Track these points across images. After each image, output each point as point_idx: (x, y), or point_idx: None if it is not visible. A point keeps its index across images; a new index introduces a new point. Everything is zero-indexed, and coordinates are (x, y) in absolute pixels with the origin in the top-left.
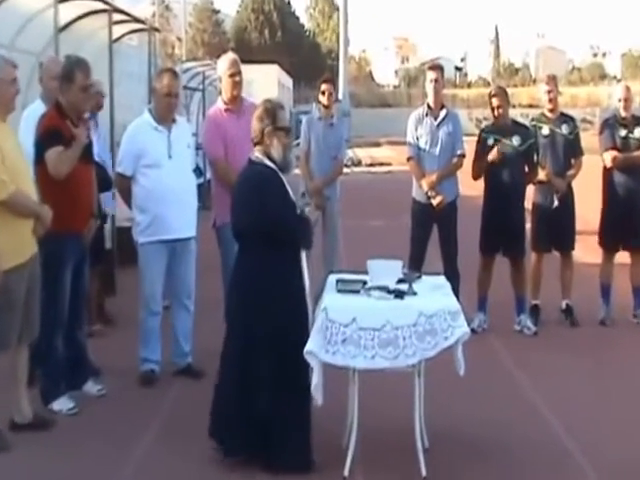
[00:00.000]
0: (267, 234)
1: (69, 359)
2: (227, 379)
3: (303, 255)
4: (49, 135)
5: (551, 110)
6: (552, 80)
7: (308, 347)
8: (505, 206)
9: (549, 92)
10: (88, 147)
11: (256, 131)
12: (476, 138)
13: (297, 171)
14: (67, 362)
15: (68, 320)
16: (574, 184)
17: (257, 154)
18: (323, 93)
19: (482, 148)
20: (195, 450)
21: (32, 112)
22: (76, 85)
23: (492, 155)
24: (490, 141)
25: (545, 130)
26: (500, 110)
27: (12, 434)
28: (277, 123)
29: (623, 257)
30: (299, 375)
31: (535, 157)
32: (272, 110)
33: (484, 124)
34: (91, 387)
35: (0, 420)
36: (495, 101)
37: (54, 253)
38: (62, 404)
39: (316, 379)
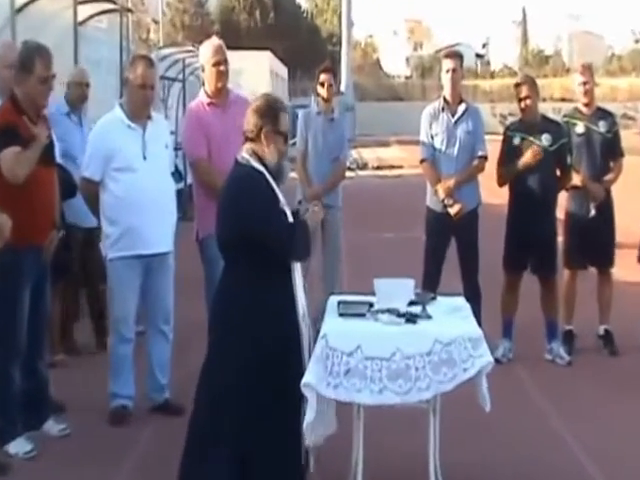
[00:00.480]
0: (255, 246)
1: (27, 394)
2: (202, 416)
3: (297, 270)
4: (3, 133)
5: (586, 104)
6: (588, 70)
7: (306, 379)
8: (534, 216)
9: (584, 84)
10: (49, 148)
11: (252, 125)
12: (501, 137)
13: (293, 175)
14: (25, 397)
15: (27, 348)
16: (613, 190)
17: (245, 154)
18: (322, 84)
19: (508, 149)
20: None
21: None
22: (35, 76)
23: (527, 158)
24: (517, 140)
25: (580, 128)
26: (528, 102)
27: None
28: (278, 126)
29: None
30: (291, 410)
31: (568, 159)
32: (276, 110)
33: (509, 120)
34: (52, 426)
35: None
36: (522, 91)
37: (9, 269)
38: (19, 446)
39: (311, 416)
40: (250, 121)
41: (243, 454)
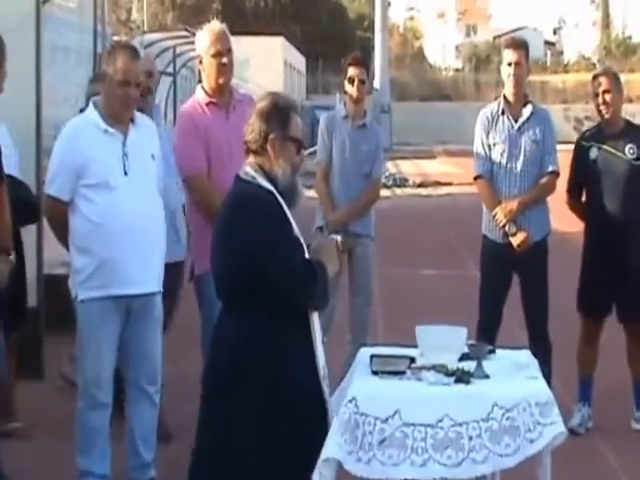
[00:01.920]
0: (260, 288)
1: None
2: None
3: (316, 319)
4: None
5: None
6: None
7: (327, 453)
8: (616, 246)
9: None
10: None
11: (255, 133)
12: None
13: (311, 194)
14: None
15: None
16: None
17: (249, 169)
18: (351, 80)
19: (581, 164)
20: None
21: None
22: None
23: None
24: (594, 153)
25: None
26: (607, 97)
27: None
28: (288, 130)
29: None
30: None
31: None
32: (284, 110)
33: (586, 126)
34: None
35: None
36: (602, 84)
37: None
38: None
39: None
40: (253, 128)
41: None
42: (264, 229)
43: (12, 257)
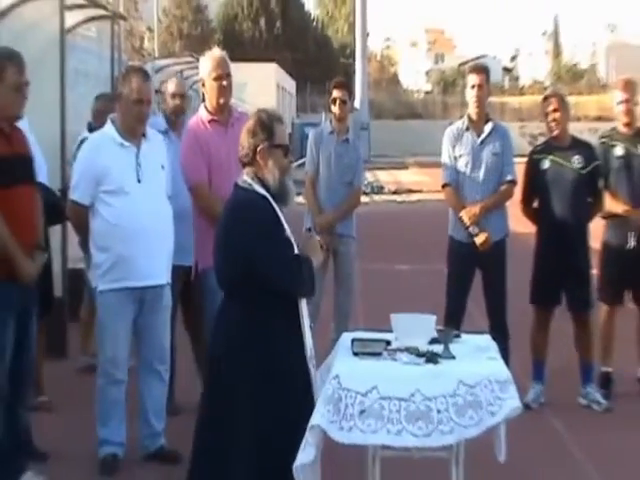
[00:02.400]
0: (256, 281)
1: (3, 443)
2: (201, 461)
3: (304, 307)
4: None
5: (627, 124)
6: (630, 85)
7: (314, 420)
8: (564, 245)
9: (626, 101)
10: (28, 164)
11: (246, 148)
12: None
13: (300, 200)
14: (1, 446)
15: (8, 392)
16: None
17: (246, 178)
18: (335, 101)
19: (535, 175)
20: None
21: None
22: (6, 83)
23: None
24: (545, 164)
25: (619, 150)
26: (556, 115)
27: None
28: (274, 139)
29: None
30: (292, 451)
31: (601, 183)
32: (268, 123)
33: (540, 141)
34: (30, 479)
35: None
36: (551, 104)
37: None
38: None
39: (309, 457)
40: (244, 145)
41: None
42: (259, 231)
43: (45, 254)
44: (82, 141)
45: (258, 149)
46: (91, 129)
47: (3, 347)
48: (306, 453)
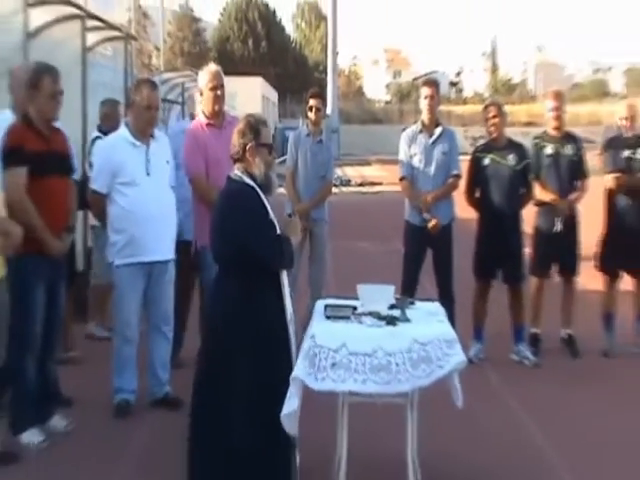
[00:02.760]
0: (246, 257)
1: (35, 390)
2: (200, 412)
3: (285, 278)
4: (10, 153)
5: (556, 128)
6: (559, 96)
7: (294, 373)
8: (501, 229)
9: (556, 109)
10: (66, 159)
11: (237, 147)
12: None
13: (282, 190)
14: (34, 393)
15: (40, 346)
16: (580, 207)
17: (237, 172)
18: (311, 109)
19: (477, 170)
20: None
21: (0, 123)
22: (43, 92)
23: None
24: (485, 161)
25: (549, 149)
26: (495, 121)
27: None
28: (260, 139)
29: (629, 284)
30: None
31: (531, 177)
32: (255, 125)
33: (479, 143)
34: (57, 422)
35: None
36: (490, 111)
37: (26, 272)
38: (31, 437)
39: (293, 406)
40: (235, 143)
41: (237, 447)
42: (248, 215)
43: (72, 235)
44: (93, 139)
45: (247, 147)
46: (100, 130)
47: (35, 307)
48: (291, 403)
